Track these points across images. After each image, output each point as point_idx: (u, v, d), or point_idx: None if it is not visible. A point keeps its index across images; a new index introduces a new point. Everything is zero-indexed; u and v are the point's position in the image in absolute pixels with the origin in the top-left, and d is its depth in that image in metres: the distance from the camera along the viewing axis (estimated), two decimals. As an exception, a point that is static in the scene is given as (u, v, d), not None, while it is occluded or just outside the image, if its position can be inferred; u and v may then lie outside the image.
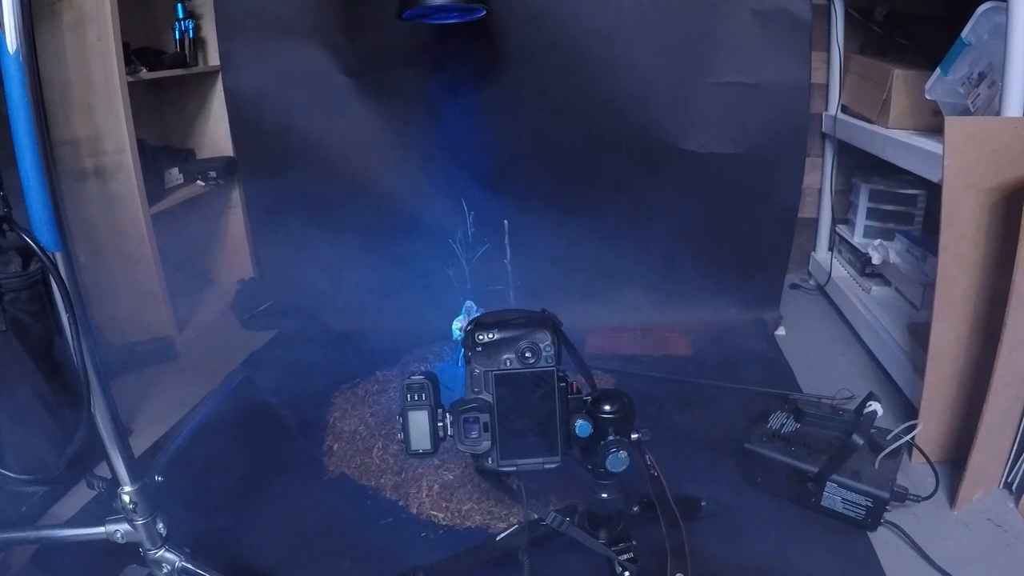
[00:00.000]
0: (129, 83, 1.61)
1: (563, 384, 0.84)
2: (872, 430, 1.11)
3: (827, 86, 1.98)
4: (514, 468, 0.84)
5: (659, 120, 1.69)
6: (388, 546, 1.09)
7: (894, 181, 1.85)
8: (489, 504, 1.15)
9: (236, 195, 2.15)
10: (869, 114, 1.71)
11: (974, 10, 1.25)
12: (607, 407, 0.84)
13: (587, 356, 1.60)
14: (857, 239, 1.93)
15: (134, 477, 0.85)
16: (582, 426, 0.82)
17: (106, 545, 0.88)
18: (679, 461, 1.26)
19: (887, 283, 1.79)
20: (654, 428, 0.87)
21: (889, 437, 1.11)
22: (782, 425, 1.18)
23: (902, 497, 1.06)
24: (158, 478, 0.92)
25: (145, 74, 1.72)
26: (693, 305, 1.84)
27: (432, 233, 1.60)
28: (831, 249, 2.09)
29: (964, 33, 1.28)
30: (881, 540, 1.05)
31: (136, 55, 1.72)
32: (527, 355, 0.83)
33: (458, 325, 1.41)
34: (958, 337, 1.15)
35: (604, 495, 0.89)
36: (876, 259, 1.79)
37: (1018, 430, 1.10)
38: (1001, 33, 1.12)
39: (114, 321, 1.74)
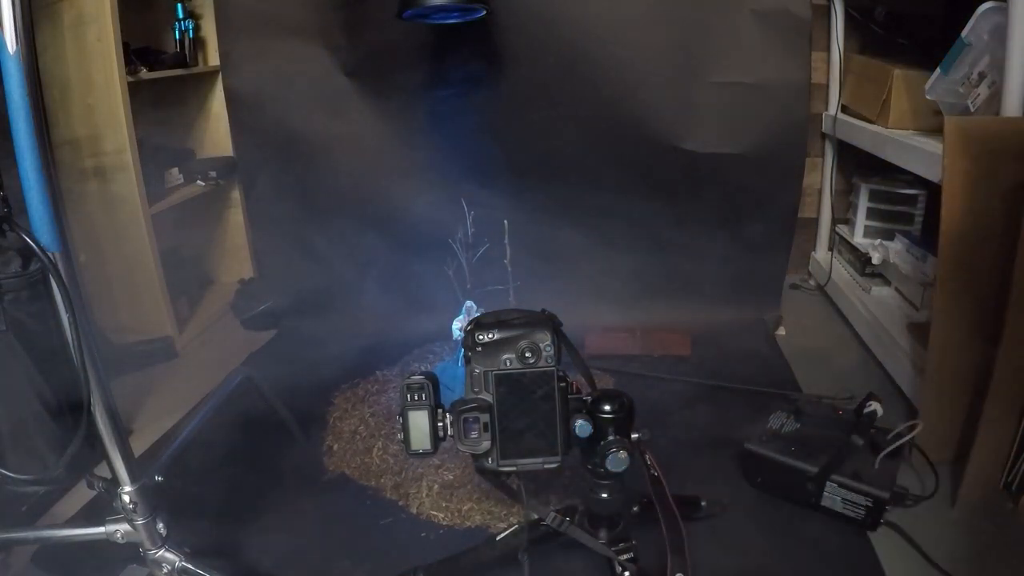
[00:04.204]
0: (129, 83, 1.61)
1: (563, 384, 0.84)
2: (872, 430, 1.11)
3: (827, 86, 1.98)
4: (514, 468, 0.84)
5: (659, 120, 1.68)
6: (388, 546, 1.09)
7: (894, 181, 1.85)
8: (489, 504, 1.15)
9: (236, 195, 2.15)
10: (869, 114, 1.71)
11: (974, 10, 1.25)
12: (607, 407, 0.84)
13: (587, 356, 1.61)
14: (857, 239, 1.93)
15: (134, 477, 0.85)
16: (582, 426, 0.82)
17: (106, 545, 0.88)
18: (679, 461, 1.26)
19: (887, 283, 1.79)
20: (654, 428, 0.87)
21: (889, 437, 1.11)
22: (782, 425, 1.18)
23: (902, 497, 1.06)
24: (158, 478, 0.92)
25: (145, 74, 1.72)
26: (693, 305, 1.84)
27: (432, 233, 1.60)
28: (831, 249, 2.09)
29: (964, 33, 1.28)
30: (881, 540, 1.04)
31: (136, 55, 1.72)
32: (527, 355, 0.83)
33: (458, 325, 1.41)
34: (958, 337, 1.15)
35: (604, 495, 0.89)
36: (876, 259, 1.79)
37: (1018, 430, 1.10)
38: (1001, 33, 1.12)
39: (114, 321, 1.74)
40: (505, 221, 1.45)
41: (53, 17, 1.52)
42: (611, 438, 0.83)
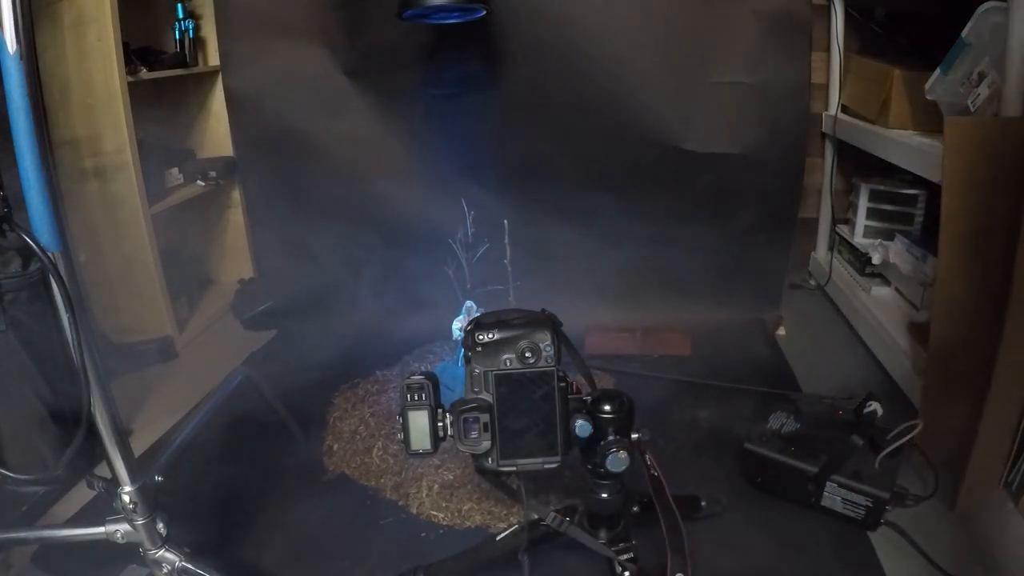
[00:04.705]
0: (129, 83, 1.61)
1: (563, 384, 0.84)
2: (872, 430, 1.11)
3: (827, 86, 1.98)
4: (514, 468, 0.84)
5: (659, 120, 1.68)
6: (388, 546, 1.09)
7: (894, 181, 1.85)
8: (489, 504, 1.15)
9: (236, 195, 2.15)
10: (869, 114, 1.70)
11: (974, 10, 1.25)
12: (607, 407, 0.84)
13: (587, 356, 1.61)
14: (857, 239, 1.93)
15: (134, 477, 0.85)
16: (582, 426, 0.82)
17: (106, 545, 0.88)
18: (679, 461, 1.26)
19: (887, 283, 1.79)
20: (654, 428, 0.87)
21: (889, 437, 1.11)
22: (782, 425, 1.18)
23: (902, 497, 1.06)
24: (158, 478, 0.92)
25: (145, 74, 1.72)
26: (693, 305, 1.84)
27: (432, 233, 1.60)
28: (831, 249, 2.09)
29: (964, 33, 1.28)
30: (881, 540, 1.05)
31: (136, 55, 1.72)
32: (527, 355, 0.83)
33: (458, 325, 1.41)
34: (958, 337, 1.15)
35: (604, 495, 0.89)
36: (876, 259, 1.79)
37: (1018, 430, 1.10)
38: (1001, 33, 1.12)
39: (114, 321, 1.74)
40: (505, 221, 1.45)
41: (53, 17, 1.52)
42: (611, 438, 0.83)
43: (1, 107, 0.69)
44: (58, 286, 0.75)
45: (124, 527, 0.87)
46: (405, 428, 0.84)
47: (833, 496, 1.07)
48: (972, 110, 1.30)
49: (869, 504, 1.04)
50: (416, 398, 0.83)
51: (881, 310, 1.68)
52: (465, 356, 0.85)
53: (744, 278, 1.84)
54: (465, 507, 1.15)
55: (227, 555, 1.06)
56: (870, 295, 1.79)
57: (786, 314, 1.87)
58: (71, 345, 0.76)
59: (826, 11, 1.89)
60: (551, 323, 0.86)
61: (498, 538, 0.97)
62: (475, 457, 0.85)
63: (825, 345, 1.76)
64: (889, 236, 1.84)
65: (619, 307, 1.86)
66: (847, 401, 1.30)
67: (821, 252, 2.16)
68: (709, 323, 1.81)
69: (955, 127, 1.08)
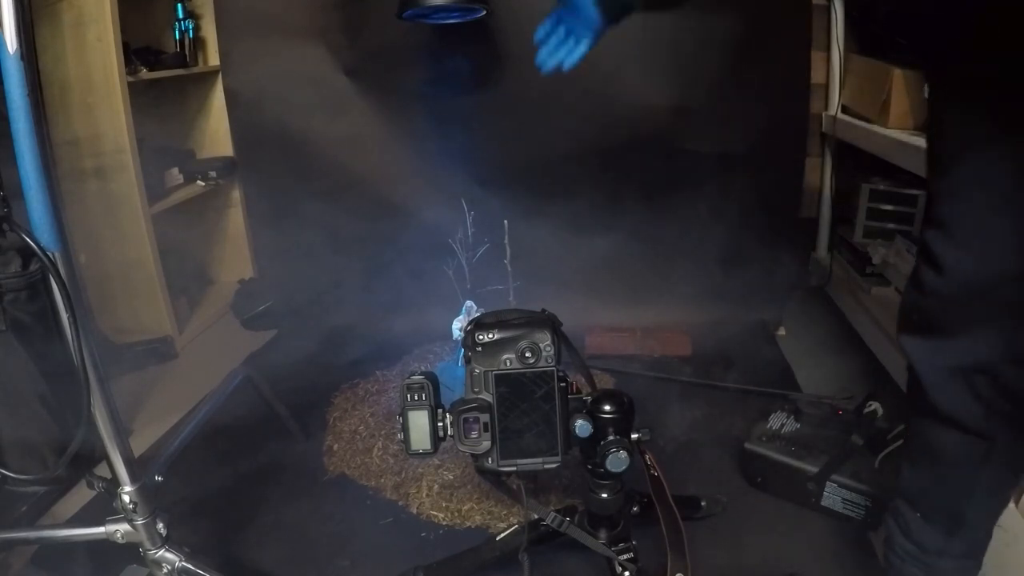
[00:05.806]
0: (129, 83, 1.61)
1: (563, 384, 0.84)
2: (872, 430, 1.11)
3: (827, 86, 1.98)
4: (514, 468, 0.84)
5: (659, 120, 1.68)
6: (388, 546, 1.09)
7: (894, 181, 1.85)
8: (489, 504, 1.15)
9: (236, 195, 2.15)
10: (869, 114, 1.70)
11: (974, 10, 1.25)
12: (607, 407, 0.84)
13: (587, 356, 1.61)
14: (857, 239, 1.93)
15: (134, 477, 0.85)
16: (582, 426, 0.82)
17: (106, 545, 0.88)
18: (679, 461, 1.26)
19: (887, 283, 1.79)
20: (654, 428, 0.87)
21: (889, 437, 1.11)
22: (782, 425, 1.18)
23: (902, 497, 1.06)
24: (158, 478, 0.92)
25: (145, 74, 1.72)
26: (693, 305, 1.84)
27: (432, 233, 1.60)
28: (831, 249, 2.09)
29: (964, 33, 1.28)
30: (881, 540, 1.04)
31: (136, 55, 1.72)
32: (527, 355, 0.83)
33: (458, 325, 1.41)
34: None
35: (604, 495, 0.89)
36: (876, 259, 1.79)
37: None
38: (1001, 33, 1.11)
39: (114, 321, 1.74)
40: (505, 221, 1.45)
41: (53, 17, 1.52)
42: (611, 438, 0.83)
43: (1, 107, 0.69)
44: (58, 286, 0.75)
45: (124, 527, 0.87)
46: (405, 428, 0.84)
47: (833, 496, 1.07)
48: (972, 110, 1.30)
49: (869, 504, 1.04)
50: (416, 398, 0.83)
51: (881, 310, 1.68)
52: (465, 356, 0.86)
53: (744, 278, 1.83)
54: (465, 507, 1.16)
55: (227, 555, 1.06)
56: (870, 295, 1.79)
57: (786, 314, 1.87)
58: (71, 345, 0.76)
59: (826, 11, 1.89)
60: (551, 323, 0.86)
61: (498, 538, 0.97)
62: (475, 457, 0.85)
63: (825, 345, 1.76)
64: (889, 236, 1.84)
65: (619, 307, 1.86)
66: (847, 401, 1.31)
67: (821, 252, 2.16)
68: (709, 323, 1.81)
69: (955, 127, 1.08)
